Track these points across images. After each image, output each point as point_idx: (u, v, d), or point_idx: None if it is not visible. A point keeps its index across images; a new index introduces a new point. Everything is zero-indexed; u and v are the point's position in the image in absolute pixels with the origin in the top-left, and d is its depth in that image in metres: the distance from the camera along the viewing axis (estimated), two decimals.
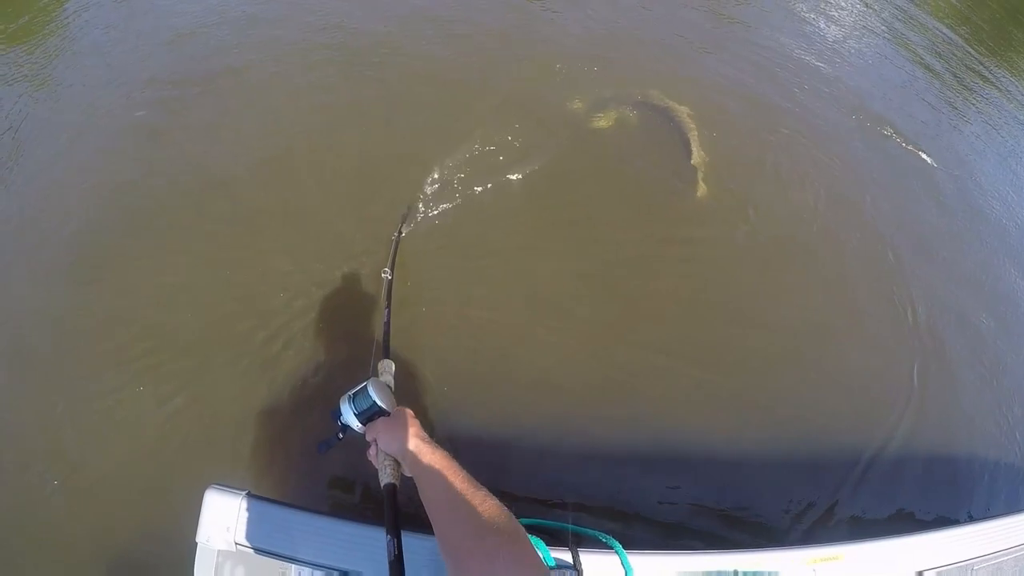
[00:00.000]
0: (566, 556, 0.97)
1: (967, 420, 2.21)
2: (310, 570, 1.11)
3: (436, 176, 2.58)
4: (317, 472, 1.78)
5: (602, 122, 2.96)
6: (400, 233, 2.18)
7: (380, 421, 0.99)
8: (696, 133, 2.94)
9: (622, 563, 0.98)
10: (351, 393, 1.05)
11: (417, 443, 0.91)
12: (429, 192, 2.52)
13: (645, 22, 3.85)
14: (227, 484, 1.13)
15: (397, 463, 0.95)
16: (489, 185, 2.54)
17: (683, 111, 3.01)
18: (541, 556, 0.96)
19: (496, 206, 2.49)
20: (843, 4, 4.60)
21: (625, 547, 0.99)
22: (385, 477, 0.93)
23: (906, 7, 4.86)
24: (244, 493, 1.11)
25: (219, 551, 1.13)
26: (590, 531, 1.03)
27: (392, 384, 1.18)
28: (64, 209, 2.49)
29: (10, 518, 1.77)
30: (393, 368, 1.24)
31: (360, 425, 1.02)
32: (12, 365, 2.05)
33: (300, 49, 3.19)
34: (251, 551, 1.12)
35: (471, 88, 3.05)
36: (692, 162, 2.81)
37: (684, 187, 2.74)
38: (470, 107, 2.93)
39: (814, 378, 2.18)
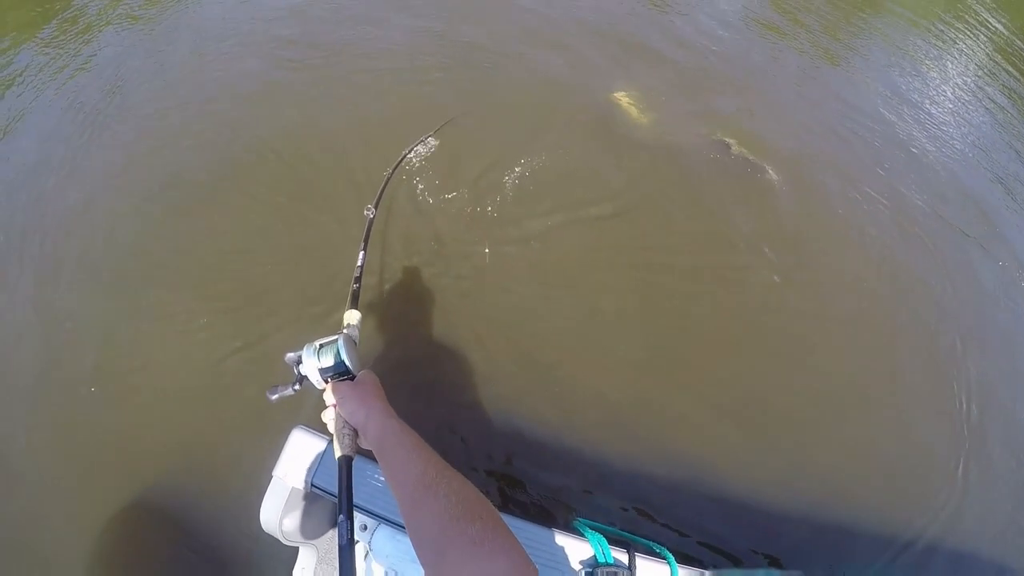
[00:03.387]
0: (623, 557, 1.02)
1: (1007, 525, 2.12)
2: (375, 521, 1.19)
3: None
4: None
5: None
6: (392, 173, 2.08)
7: (346, 384, 0.89)
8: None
9: (672, 575, 1.03)
10: (319, 344, 0.94)
11: (385, 417, 0.82)
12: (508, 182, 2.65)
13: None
14: (313, 427, 1.22)
15: (356, 434, 0.86)
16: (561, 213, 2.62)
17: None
18: (600, 551, 1.01)
19: (566, 231, 2.56)
20: (949, 78, 4.49)
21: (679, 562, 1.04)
22: (343, 448, 0.84)
23: (1016, 87, 4.70)
24: (329, 439, 1.19)
25: (292, 488, 1.21)
26: (645, 541, 1.07)
27: (357, 340, 1.06)
28: (159, 146, 2.72)
29: (80, 429, 1.92)
30: (359, 320, 1.10)
31: (320, 381, 0.93)
32: (101, 282, 2.24)
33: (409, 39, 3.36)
34: (323, 494, 1.20)
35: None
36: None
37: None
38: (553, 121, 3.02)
39: (858, 448, 2.15)
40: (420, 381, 2.03)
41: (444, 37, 3.45)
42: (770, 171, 3.00)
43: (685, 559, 1.12)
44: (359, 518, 1.22)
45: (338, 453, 0.84)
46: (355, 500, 1.15)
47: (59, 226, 2.39)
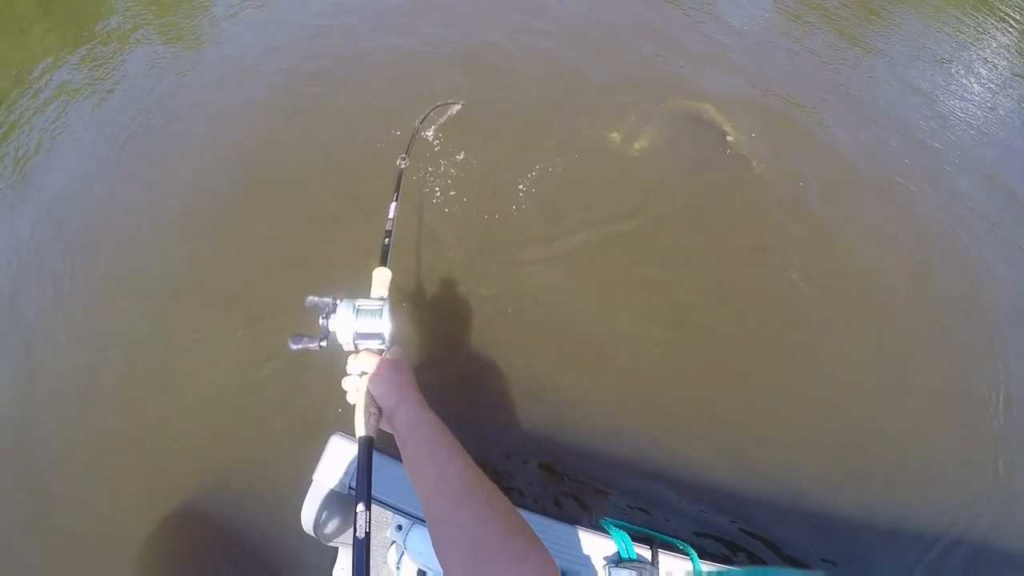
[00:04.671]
0: (646, 553, 1.07)
1: None
2: (409, 521, 1.26)
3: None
4: None
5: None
6: (420, 124, 2.05)
7: (386, 362, 0.82)
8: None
9: (694, 569, 1.07)
10: (359, 305, 0.86)
11: (421, 407, 0.77)
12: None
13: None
14: (349, 434, 1.29)
15: (380, 413, 0.79)
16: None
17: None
18: (624, 547, 1.06)
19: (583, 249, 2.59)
20: (973, 68, 4.38)
21: (701, 557, 1.08)
22: (365, 427, 0.76)
23: None
24: None
25: (331, 490, 1.29)
26: (669, 537, 1.12)
27: None
28: (190, 169, 2.86)
29: (121, 440, 2.03)
30: (390, 280, 1.01)
31: (351, 343, 0.86)
32: (139, 300, 2.38)
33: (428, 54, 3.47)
34: None
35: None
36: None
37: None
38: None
39: (892, 447, 2.13)
40: (448, 401, 2.10)
41: (463, 50, 3.55)
42: (795, 178, 2.98)
43: (708, 555, 1.16)
44: (395, 518, 1.29)
45: (359, 432, 0.77)
46: (392, 502, 1.24)
47: (94, 246, 2.54)
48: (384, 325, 0.85)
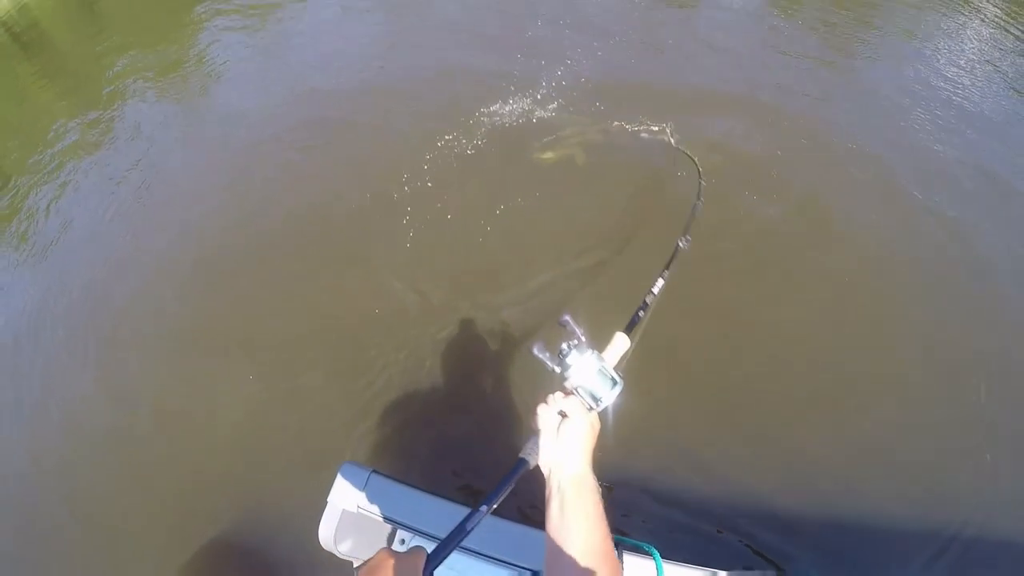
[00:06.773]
0: None
1: None
2: (411, 534, 1.44)
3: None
4: (432, 464, 2.14)
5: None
6: (698, 202, 1.98)
7: (586, 419, 0.91)
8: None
9: (656, 568, 1.23)
10: (603, 368, 0.95)
11: (590, 468, 0.87)
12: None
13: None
14: (359, 463, 1.49)
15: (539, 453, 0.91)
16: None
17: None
18: None
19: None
20: (952, 58, 4.49)
21: (663, 556, 1.24)
22: (531, 453, 0.91)
23: None
24: (371, 470, 1.46)
25: (344, 510, 1.48)
26: (633, 540, 1.28)
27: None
28: (191, 231, 3.07)
29: (149, 475, 2.26)
30: (626, 351, 1.08)
31: (573, 388, 0.94)
32: (156, 351, 2.59)
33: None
34: (369, 514, 1.45)
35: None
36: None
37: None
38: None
39: (877, 445, 2.20)
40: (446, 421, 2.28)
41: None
42: (771, 180, 3.12)
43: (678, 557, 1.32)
44: (399, 533, 1.48)
45: (524, 454, 0.92)
46: (395, 516, 1.43)
47: (114, 307, 2.77)
48: (608, 399, 0.94)
